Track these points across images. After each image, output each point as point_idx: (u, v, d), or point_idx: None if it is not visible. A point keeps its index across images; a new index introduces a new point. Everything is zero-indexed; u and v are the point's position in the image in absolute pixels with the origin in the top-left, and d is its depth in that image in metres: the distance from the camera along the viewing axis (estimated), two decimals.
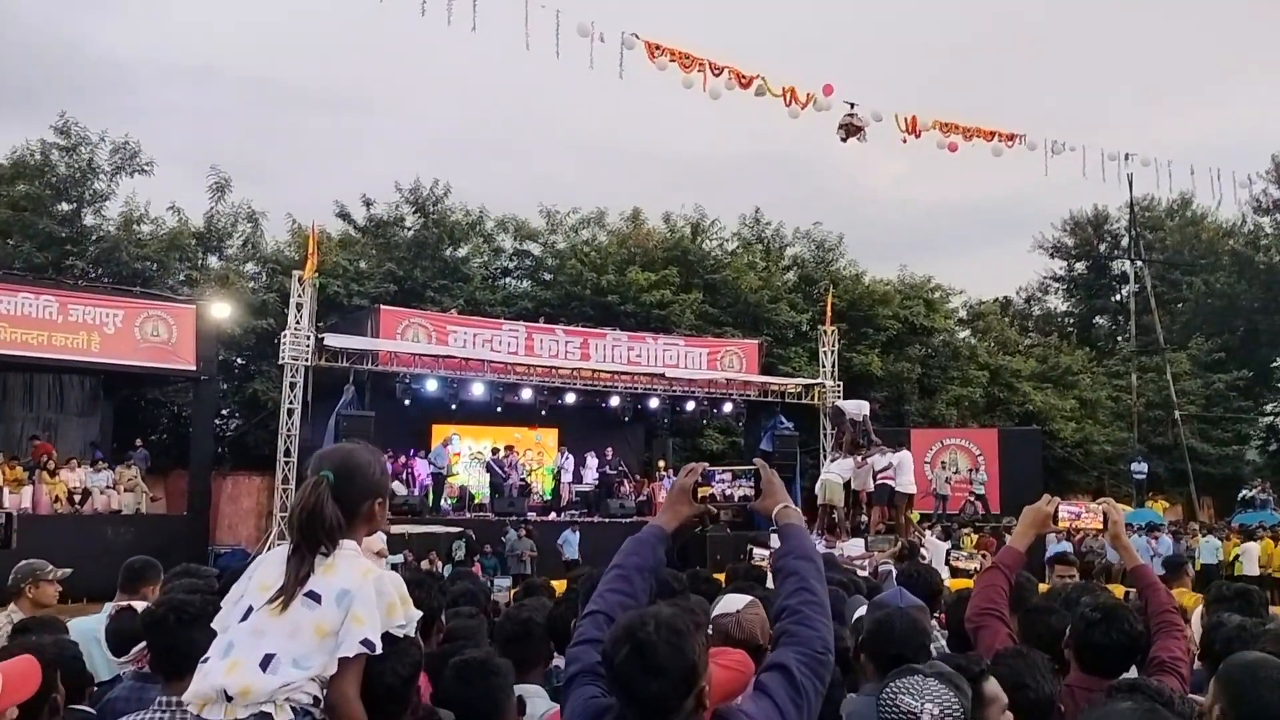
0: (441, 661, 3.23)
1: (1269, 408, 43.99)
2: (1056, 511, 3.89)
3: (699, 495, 2.88)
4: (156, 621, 3.16)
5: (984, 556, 21.24)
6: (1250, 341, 42.08)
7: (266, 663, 2.29)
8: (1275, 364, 43.89)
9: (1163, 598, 3.76)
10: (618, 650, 2.25)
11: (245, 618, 2.40)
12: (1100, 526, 3.92)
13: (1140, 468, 31.90)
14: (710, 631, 4.01)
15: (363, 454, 2.63)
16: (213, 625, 2.48)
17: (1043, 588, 5.80)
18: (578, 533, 21.34)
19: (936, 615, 5.34)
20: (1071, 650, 3.56)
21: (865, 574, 8.86)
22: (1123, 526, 3.94)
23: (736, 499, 2.91)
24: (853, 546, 16.60)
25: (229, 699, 2.26)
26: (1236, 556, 21.73)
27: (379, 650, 2.32)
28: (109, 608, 4.35)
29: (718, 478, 2.90)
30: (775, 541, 2.85)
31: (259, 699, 2.25)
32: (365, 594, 2.35)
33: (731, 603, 3.35)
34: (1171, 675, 3.38)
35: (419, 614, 2.52)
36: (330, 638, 2.31)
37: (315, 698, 2.30)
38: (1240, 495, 32.05)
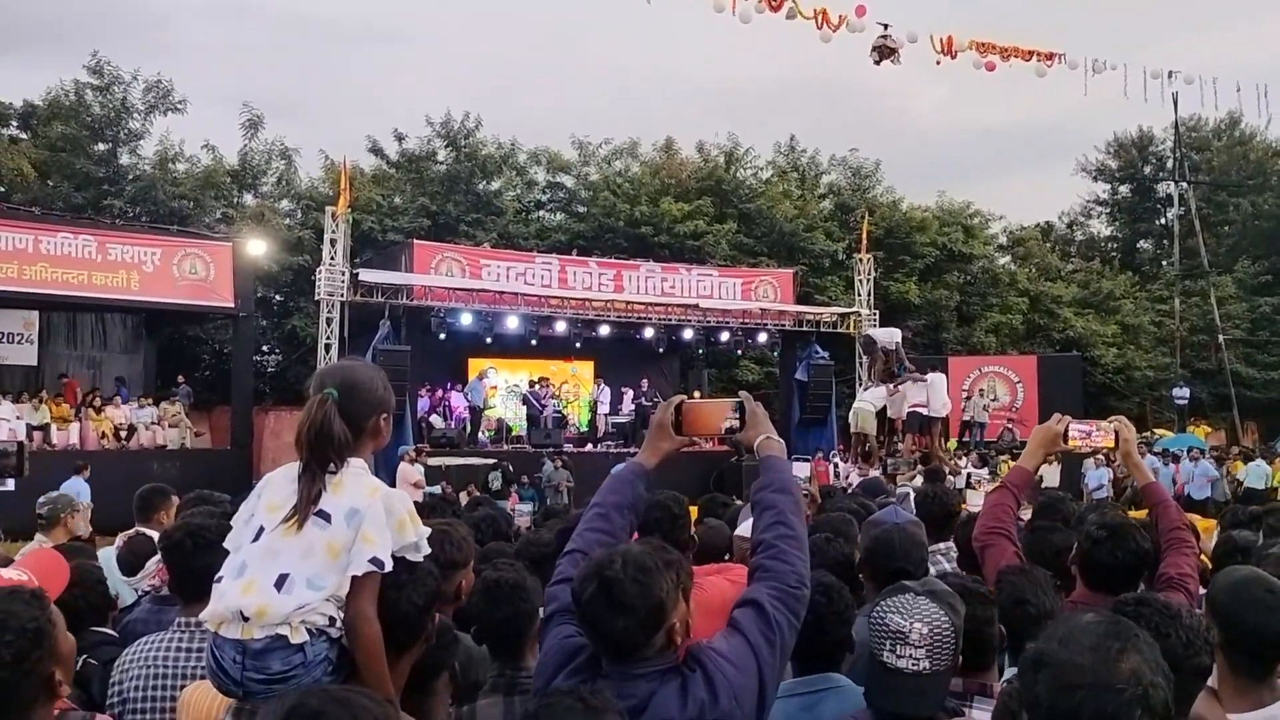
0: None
1: None
2: (1067, 430, 3.86)
3: (684, 430, 2.84)
4: (174, 545, 3.23)
5: None
6: None
7: (281, 583, 2.30)
8: None
9: (1173, 515, 3.73)
10: (585, 588, 2.26)
11: (257, 538, 2.41)
12: (1112, 445, 3.88)
13: (1182, 393, 31.50)
14: (730, 553, 4.09)
15: (364, 370, 2.64)
16: (225, 545, 2.51)
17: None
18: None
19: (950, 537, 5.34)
20: (1077, 567, 3.56)
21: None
22: (1134, 444, 3.90)
23: (722, 431, 2.88)
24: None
25: (245, 619, 2.29)
26: None
27: (388, 568, 2.33)
28: (121, 537, 4.46)
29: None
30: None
31: (275, 620, 2.27)
32: (374, 512, 2.36)
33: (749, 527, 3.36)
34: (1179, 591, 3.37)
35: (428, 531, 2.53)
36: (343, 556, 2.33)
37: (330, 618, 2.31)
38: None
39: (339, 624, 2.33)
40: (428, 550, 2.49)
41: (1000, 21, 67.52)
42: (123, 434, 20.52)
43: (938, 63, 18.76)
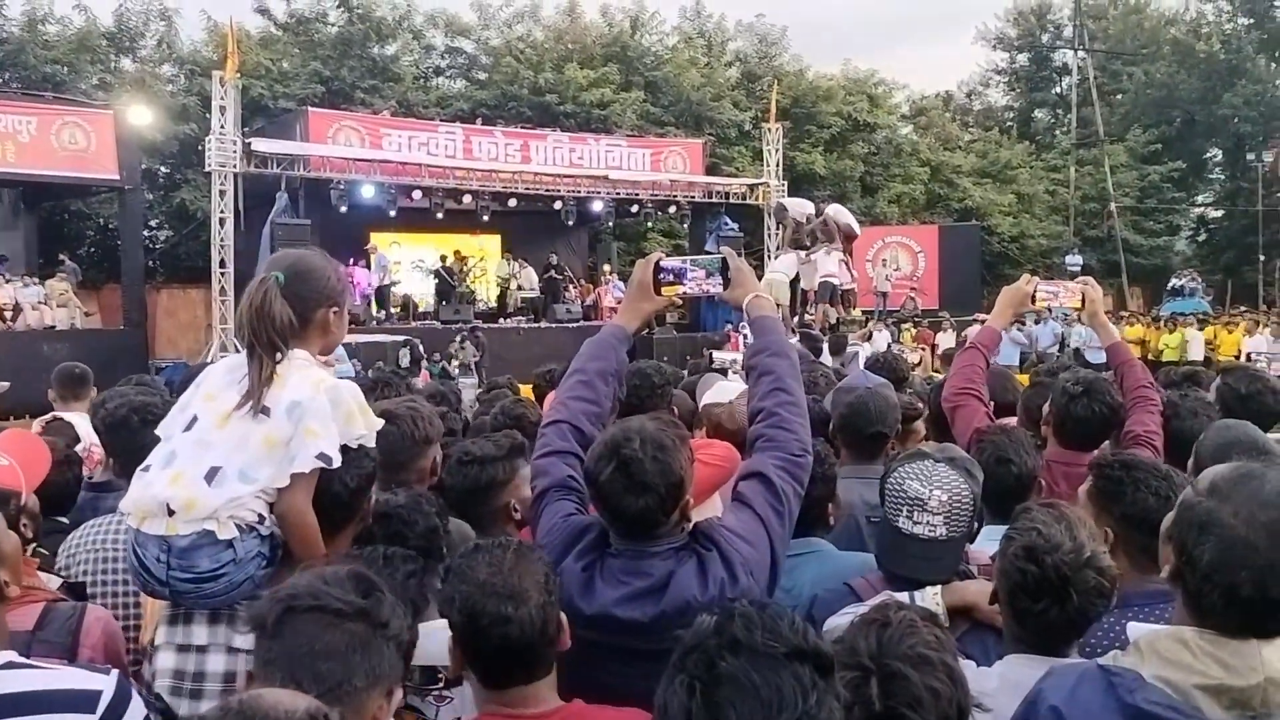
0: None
1: (1200, 199, 44.73)
2: (1035, 290, 3.85)
3: (664, 291, 2.71)
4: (119, 423, 3.02)
5: (923, 349, 21.73)
6: (1186, 133, 42.27)
7: (212, 475, 2.17)
8: (1208, 155, 44.36)
9: (1138, 374, 3.77)
10: (602, 468, 2.18)
11: (189, 428, 2.27)
12: (1079, 306, 3.89)
13: (1075, 260, 32.51)
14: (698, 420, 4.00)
15: (316, 259, 2.48)
16: (157, 432, 2.36)
17: None
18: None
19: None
20: (1051, 426, 3.58)
21: None
22: (1100, 305, 3.91)
23: (710, 293, 2.74)
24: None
25: (170, 513, 2.14)
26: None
27: (337, 463, 2.21)
28: (38, 424, 4.18)
29: (689, 275, 2.72)
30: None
31: (202, 514, 2.14)
32: (318, 405, 2.22)
33: (724, 391, 3.26)
34: (1146, 448, 3.41)
35: (380, 423, 2.41)
36: (279, 448, 2.19)
37: (260, 515, 2.19)
38: (1170, 285, 32.90)
39: (269, 520, 2.20)
40: (371, 442, 2.36)
41: None
42: (7, 314, 19.49)
43: None
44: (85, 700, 1.65)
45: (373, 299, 22.63)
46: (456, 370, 20.10)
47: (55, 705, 1.63)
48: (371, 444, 2.34)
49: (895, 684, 1.59)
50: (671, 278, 2.71)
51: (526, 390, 5.91)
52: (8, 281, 20.21)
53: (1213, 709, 1.59)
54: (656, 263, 2.73)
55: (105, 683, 1.69)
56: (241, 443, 2.20)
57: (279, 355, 2.27)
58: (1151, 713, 1.57)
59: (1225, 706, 1.59)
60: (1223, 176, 44.92)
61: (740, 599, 1.37)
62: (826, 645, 1.33)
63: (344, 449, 2.26)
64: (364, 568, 1.74)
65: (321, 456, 2.18)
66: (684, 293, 2.74)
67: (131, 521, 2.21)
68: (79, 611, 2.33)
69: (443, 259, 24.00)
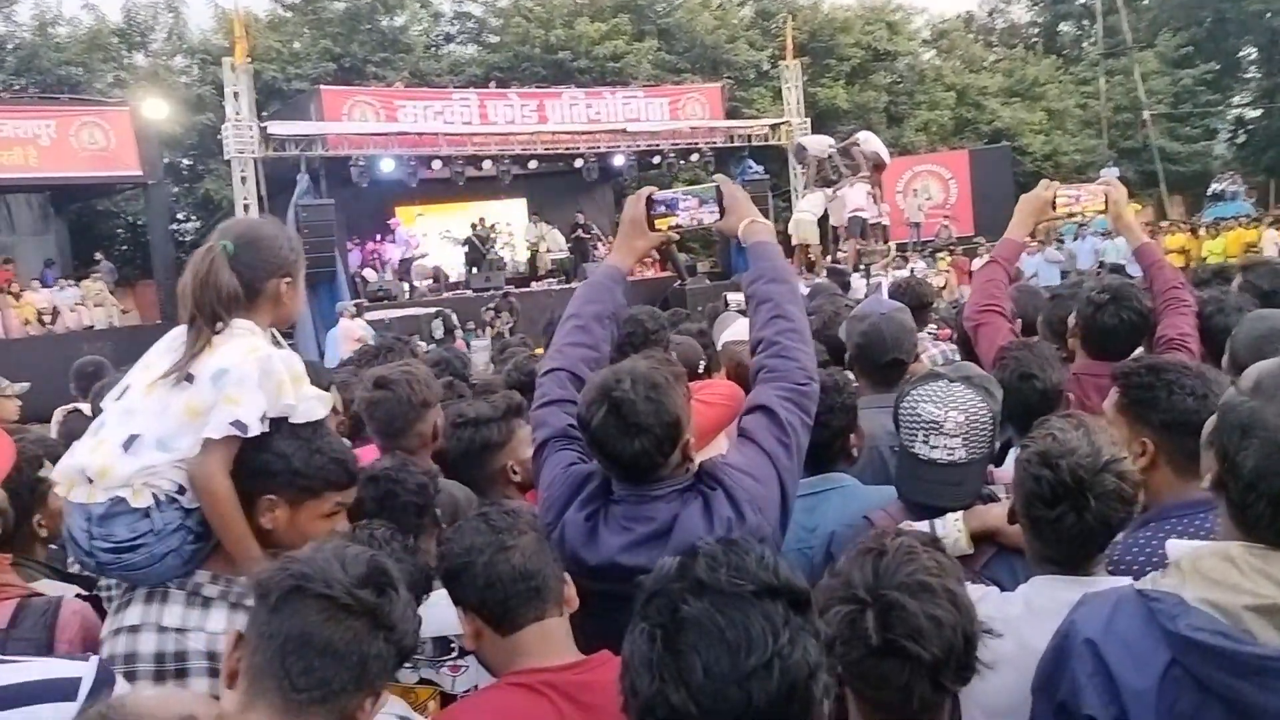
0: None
1: (1236, 99, 43.40)
2: (1055, 197, 3.68)
3: (658, 226, 2.60)
4: None
5: (947, 273, 21.42)
6: (1218, 32, 40.95)
7: (130, 443, 2.12)
8: (1242, 54, 42.99)
9: (1168, 274, 3.60)
10: (594, 411, 2.09)
11: (122, 396, 2.23)
12: (1102, 208, 3.71)
13: (1111, 173, 31.63)
14: (717, 358, 3.91)
15: (269, 227, 2.41)
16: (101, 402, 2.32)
17: None
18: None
19: (930, 329, 5.27)
20: (1078, 337, 3.44)
21: None
22: (1125, 206, 3.73)
23: (705, 224, 2.64)
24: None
25: (90, 480, 2.10)
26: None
27: (253, 432, 2.13)
28: (58, 413, 4.17)
29: (681, 205, 2.60)
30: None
31: (115, 482, 2.09)
32: (244, 372, 2.15)
33: (743, 328, 3.15)
34: (1181, 351, 3.26)
35: (323, 394, 2.33)
36: (200, 417, 2.13)
37: (180, 486, 2.13)
38: (1210, 190, 32.10)
39: (190, 493, 2.14)
40: (319, 414, 2.27)
41: None
42: (46, 318, 19.75)
43: None
44: (66, 688, 1.60)
45: (402, 272, 22.66)
46: (491, 338, 20.11)
47: (36, 696, 1.57)
48: (311, 416, 2.25)
49: (893, 614, 1.49)
50: (664, 209, 2.61)
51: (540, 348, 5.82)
52: (46, 286, 20.48)
53: (1266, 631, 1.44)
54: (649, 197, 2.62)
55: (85, 669, 1.64)
56: (163, 410, 2.16)
57: (219, 325, 2.21)
58: (1198, 640, 1.44)
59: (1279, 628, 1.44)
60: (1259, 75, 43.43)
61: (746, 537, 1.27)
62: (800, 580, 1.23)
63: (300, 424, 2.21)
64: (385, 558, 1.66)
65: (237, 424, 2.12)
66: (678, 224, 2.62)
67: (60, 490, 2.18)
68: (54, 605, 2.28)
69: (472, 227, 23.93)
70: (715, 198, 2.59)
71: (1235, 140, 43.37)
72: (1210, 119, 40.60)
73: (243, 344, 2.21)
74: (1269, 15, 39.10)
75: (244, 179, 20.18)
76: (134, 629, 2.11)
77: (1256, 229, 22.38)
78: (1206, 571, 1.51)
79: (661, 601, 1.21)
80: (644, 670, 1.18)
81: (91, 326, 20.26)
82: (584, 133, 23.85)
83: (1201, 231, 23.59)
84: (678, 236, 2.73)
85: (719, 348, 4.01)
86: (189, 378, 2.16)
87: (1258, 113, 42.66)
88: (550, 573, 1.94)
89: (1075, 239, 21.98)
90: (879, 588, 1.52)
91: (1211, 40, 40.55)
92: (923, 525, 2.25)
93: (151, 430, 2.14)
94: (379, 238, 23.20)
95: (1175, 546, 1.64)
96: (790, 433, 2.27)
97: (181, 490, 2.14)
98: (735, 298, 16.74)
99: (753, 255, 2.58)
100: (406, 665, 2.18)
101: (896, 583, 1.52)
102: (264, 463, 2.16)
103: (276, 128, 20.54)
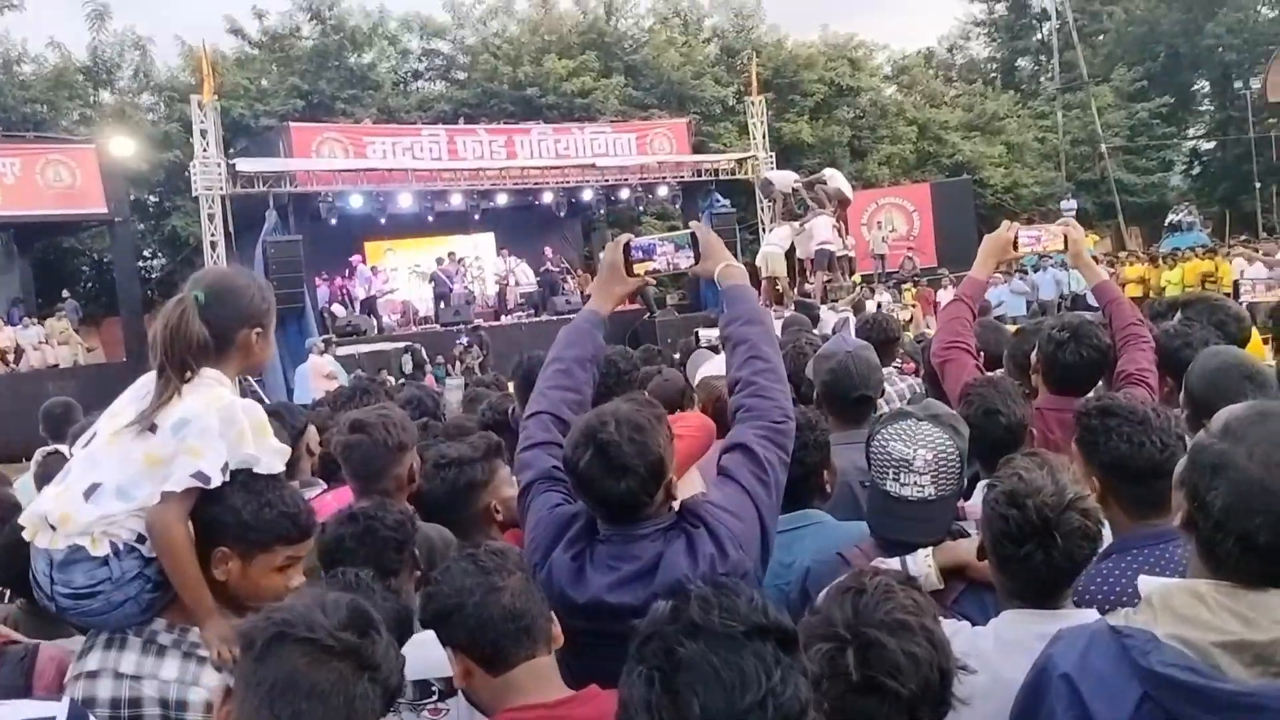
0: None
1: (1190, 132, 44.42)
2: (1017, 237, 3.79)
3: (636, 270, 2.68)
4: None
5: (913, 306, 21.68)
6: (1172, 67, 41.94)
7: (91, 491, 2.14)
8: (1195, 87, 44.03)
9: (1126, 311, 3.69)
10: (580, 454, 2.15)
11: (89, 444, 2.26)
12: (1062, 247, 3.83)
13: (1069, 205, 32.19)
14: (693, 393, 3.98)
15: (241, 278, 2.43)
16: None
17: None
18: None
19: (896, 364, 5.37)
20: (1040, 373, 3.54)
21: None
22: (1084, 246, 3.85)
23: (681, 268, 2.73)
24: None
25: (52, 527, 2.13)
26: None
27: (215, 483, 2.16)
28: (38, 455, 4.17)
29: (658, 251, 2.69)
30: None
31: (75, 529, 2.11)
32: (205, 423, 2.16)
33: (717, 365, 3.24)
34: (1140, 387, 3.35)
35: (283, 447, 2.34)
36: (160, 467, 2.15)
37: (139, 535, 2.15)
38: (1167, 221, 32.71)
39: (150, 543, 2.16)
40: (278, 469, 2.30)
41: None
42: (9, 358, 19.52)
43: None
44: None
45: (371, 308, 22.59)
46: (461, 373, 20.08)
47: None
48: (270, 470, 2.26)
49: (873, 652, 1.55)
50: (641, 255, 2.69)
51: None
52: (10, 325, 20.26)
53: (1234, 667, 1.48)
54: (626, 243, 2.70)
55: (58, 709, 1.68)
56: (124, 459, 2.17)
57: (188, 375, 2.24)
58: (1169, 676, 1.48)
59: (1247, 664, 1.49)
60: (1212, 107, 44.57)
61: (730, 575, 1.34)
62: (788, 620, 1.29)
63: (253, 477, 2.22)
64: (366, 602, 1.68)
65: (198, 475, 2.14)
66: (655, 269, 2.71)
67: (26, 535, 2.20)
68: (30, 652, 2.30)
69: (438, 261, 23.95)
70: (691, 243, 2.67)
71: (1190, 172, 44.36)
72: (1166, 151, 41.55)
73: (207, 394, 2.23)
74: (1221, 50, 40.15)
75: (211, 216, 20.11)
76: (93, 674, 2.13)
77: (1213, 259, 22.83)
78: (1177, 608, 1.56)
79: (657, 644, 1.25)
80: (643, 711, 1.22)
81: (56, 365, 20.03)
82: (552, 168, 24.00)
83: (1160, 262, 24.01)
84: (654, 282, 2.81)
85: (696, 382, 4.09)
86: (152, 427, 2.18)
87: (1211, 145, 43.70)
88: (538, 611, 1.97)
89: (1036, 270, 22.37)
90: (858, 626, 1.58)
91: (1166, 74, 41.54)
92: (894, 561, 2.32)
93: (112, 479, 2.16)
94: (347, 273, 23.16)
95: (1147, 583, 1.69)
96: (769, 470, 2.35)
97: (141, 539, 2.15)
98: (708, 333, 16.93)
99: (728, 298, 2.66)
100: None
101: (875, 621, 1.58)
102: (215, 515, 2.18)
103: (245, 164, 20.52)
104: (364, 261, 22.95)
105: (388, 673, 1.57)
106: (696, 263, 2.68)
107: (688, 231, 2.71)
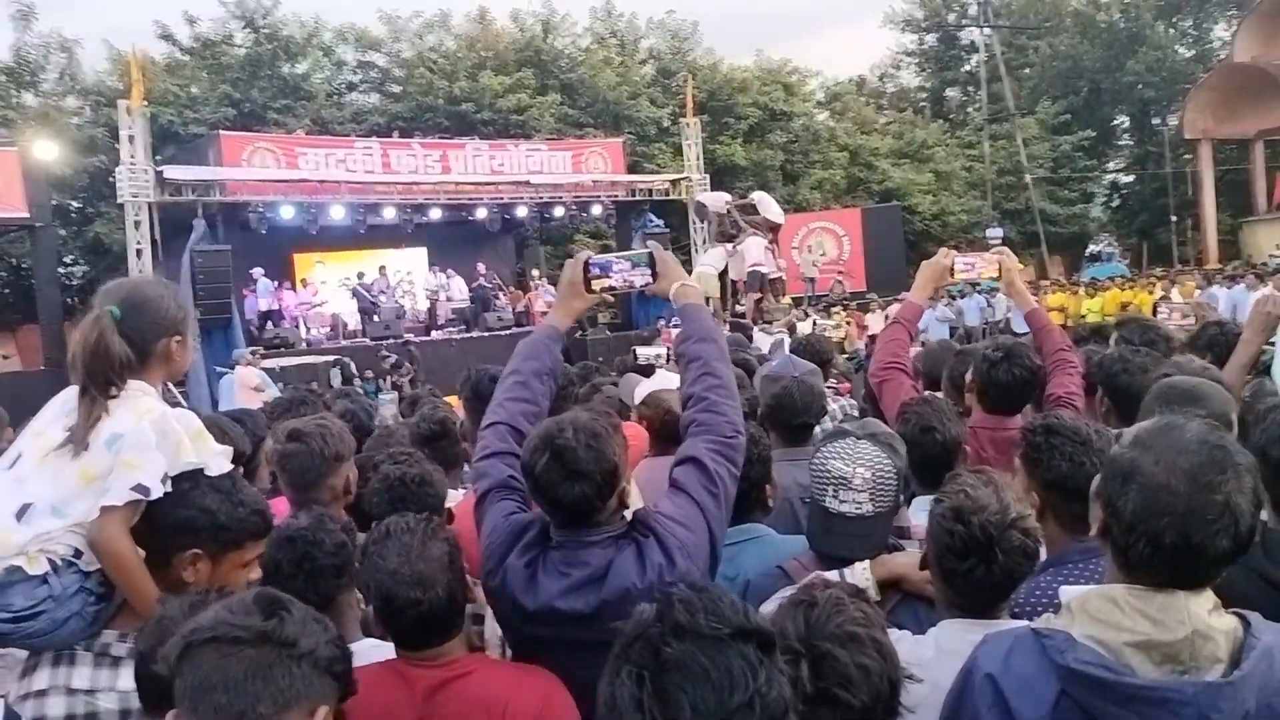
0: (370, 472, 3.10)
1: (1111, 165, 45.90)
2: (953, 264, 3.91)
3: (594, 287, 2.75)
4: None
5: (847, 324, 22.00)
6: (1094, 101, 43.34)
7: (22, 512, 2.12)
8: (1116, 122, 45.52)
9: (1056, 338, 3.85)
10: (537, 459, 2.22)
11: (14, 465, 2.22)
12: (996, 274, 3.96)
13: (995, 233, 33.11)
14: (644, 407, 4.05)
15: (154, 287, 2.42)
16: None
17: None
18: None
19: (831, 383, 5.49)
20: (974, 393, 3.66)
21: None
22: (1017, 274, 3.98)
23: (638, 286, 2.80)
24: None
25: None
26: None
27: (155, 495, 2.15)
28: None
29: (615, 268, 2.76)
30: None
31: (10, 551, 2.09)
32: (140, 437, 2.16)
33: (671, 379, 3.32)
34: (1067, 408, 3.48)
35: (224, 449, 2.35)
36: (96, 482, 2.14)
37: (77, 550, 2.14)
38: (1088, 251, 33.69)
39: (89, 556, 2.14)
40: (227, 467, 2.32)
41: None
42: None
43: None
44: None
45: (300, 320, 22.24)
46: (390, 386, 19.88)
47: None
48: (215, 471, 2.27)
49: (825, 664, 1.60)
50: (599, 272, 2.76)
51: (453, 400, 5.83)
52: None
53: (1144, 665, 1.58)
54: (586, 260, 2.77)
55: None
56: (57, 478, 2.15)
57: (113, 391, 2.22)
58: (1083, 672, 1.58)
59: (1156, 662, 1.58)
60: (1131, 142, 46.12)
61: (678, 583, 1.37)
62: (767, 624, 1.32)
63: (218, 479, 2.24)
64: (273, 589, 1.68)
65: (139, 488, 2.13)
66: (611, 286, 2.78)
67: None
68: None
69: (359, 276, 23.68)
70: (648, 262, 2.76)
71: (1110, 204, 45.82)
72: (1087, 183, 42.93)
73: (136, 406, 2.22)
74: (1140, 87, 41.56)
75: (138, 223, 19.64)
76: (41, 693, 2.09)
77: (1132, 289, 23.61)
78: (1093, 611, 1.66)
79: (642, 645, 1.27)
80: (632, 710, 1.23)
81: None
82: (487, 184, 23.95)
83: (1080, 290, 24.74)
84: (612, 298, 2.87)
85: (633, 403, 4.15)
86: (85, 445, 2.16)
87: (1130, 178, 45.19)
88: (455, 610, 2.20)
89: (962, 296, 22.88)
90: (811, 638, 1.63)
91: (1088, 108, 42.92)
92: (833, 574, 2.38)
93: (44, 498, 2.14)
94: (277, 285, 22.78)
95: (1067, 591, 1.78)
96: (718, 483, 2.41)
97: (78, 554, 2.13)
98: (645, 351, 16.83)
99: (683, 316, 2.74)
100: None
101: (827, 633, 1.63)
102: (187, 519, 2.18)
103: (173, 172, 20.09)
104: (261, 277, 22.36)
105: (309, 645, 1.55)
106: (654, 281, 2.76)
107: (645, 250, 2.80)
